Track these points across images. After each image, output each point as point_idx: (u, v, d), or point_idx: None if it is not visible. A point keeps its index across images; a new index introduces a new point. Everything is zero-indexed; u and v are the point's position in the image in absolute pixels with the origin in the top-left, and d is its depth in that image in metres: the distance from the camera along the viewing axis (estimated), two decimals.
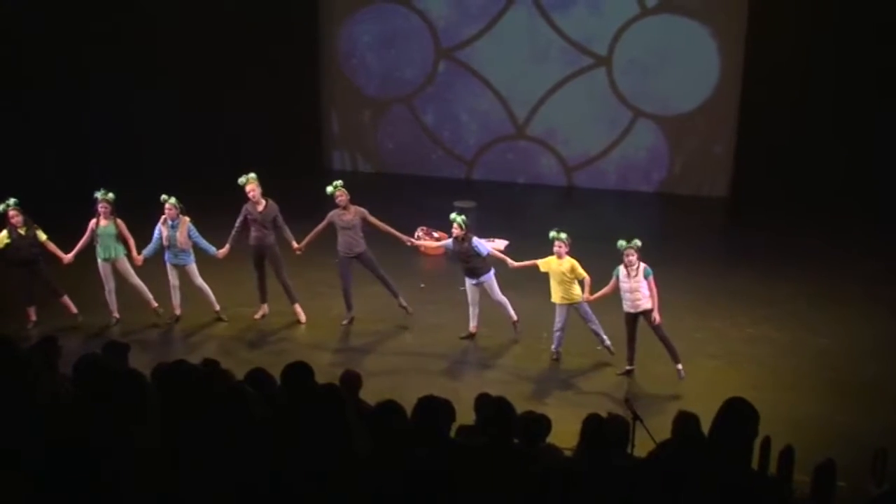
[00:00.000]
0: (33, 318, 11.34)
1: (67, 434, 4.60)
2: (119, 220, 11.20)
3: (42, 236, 11.08)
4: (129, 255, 11.29)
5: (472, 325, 11.27)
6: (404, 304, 11.60)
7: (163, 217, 11.28)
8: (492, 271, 11.07)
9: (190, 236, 11.31)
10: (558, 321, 10.73)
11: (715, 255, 14.45)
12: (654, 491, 5.07)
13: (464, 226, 10.94)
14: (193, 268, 11.45)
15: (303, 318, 11.72)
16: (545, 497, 4.80)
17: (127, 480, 4.42)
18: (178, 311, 11.61)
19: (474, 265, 11.00)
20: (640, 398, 9.62)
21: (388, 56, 17.77)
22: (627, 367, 10.51)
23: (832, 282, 13.05)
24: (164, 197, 11.19)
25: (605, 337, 10.72)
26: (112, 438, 4.55)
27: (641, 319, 10.30)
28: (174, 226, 11.25)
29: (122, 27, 16.11)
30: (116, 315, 11.49)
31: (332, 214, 11.38)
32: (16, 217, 10.86)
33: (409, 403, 5.29)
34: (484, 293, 11.13)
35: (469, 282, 11.13)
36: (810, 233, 14.84)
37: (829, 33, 15.41)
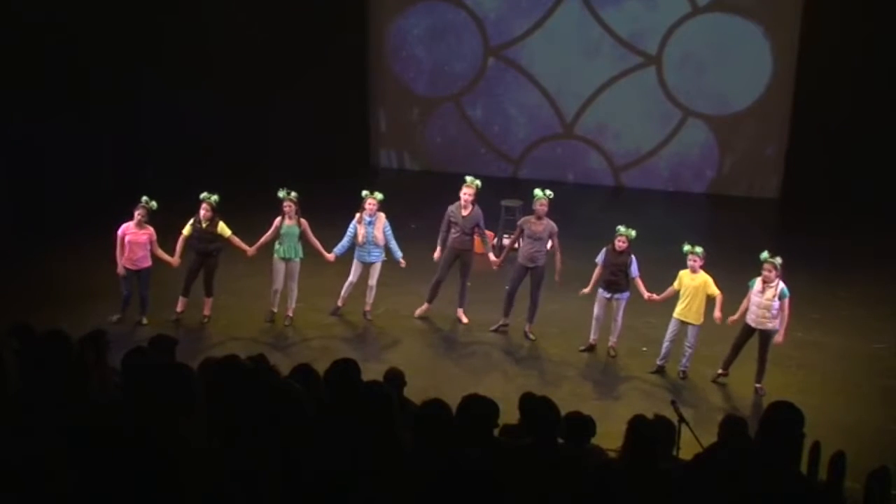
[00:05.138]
0: (180, 308, 11.42)
1: (115, 427, 4.66)
2: (304, 221, 11.20)
3: (226, 232, 11.22)
4: (304, 257, 11.27)
5: (593, 338, 10.94)
6: (530, 333, 11.37)
7: (358, 214, 11.31)
8: (628, 292, 10.72)
9: (385, 233, 11.36)
10: (669, 335, 10.45)
11: None
12: (699, 494, 5.01)
13: (630, 239, 10.55)
14: (379, 266, 11.45)
15: (465, 319, 11.66)
16: (588, 498, 4.76)
17: (172, 474, 4.46)
18: (341, 303, 11.65)
19: (620, 280, 10.59)
20: (686, 401, 9.53)
21: (438, 49, 17.76)
22: (721, 371, 10.25)
23: (885, 286, 12.81)
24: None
25: (688, 365, 10.44)
26: (158, 432, 4.59)
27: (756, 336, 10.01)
28: (371, 222, 11.28)
29: (169, 25, 16.24)
30: (275, 309, 11.45)
31: (524, 222, 11.31)
32: (206, 212, 11.08)
33: (454, 402, 5.27)
34: (610, 309, 10.78)
35: (602, 294, 10.71)
36: (863, 236, 14.59)
37: (884, 33, 15.14)
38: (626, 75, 16.98)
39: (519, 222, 11.46)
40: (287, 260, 11.26)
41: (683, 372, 10.46)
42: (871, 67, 15.32)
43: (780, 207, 16.57)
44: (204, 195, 11.16)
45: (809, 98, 15.83)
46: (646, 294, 10.63)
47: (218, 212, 11.16)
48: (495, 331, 11.42)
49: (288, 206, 11.13)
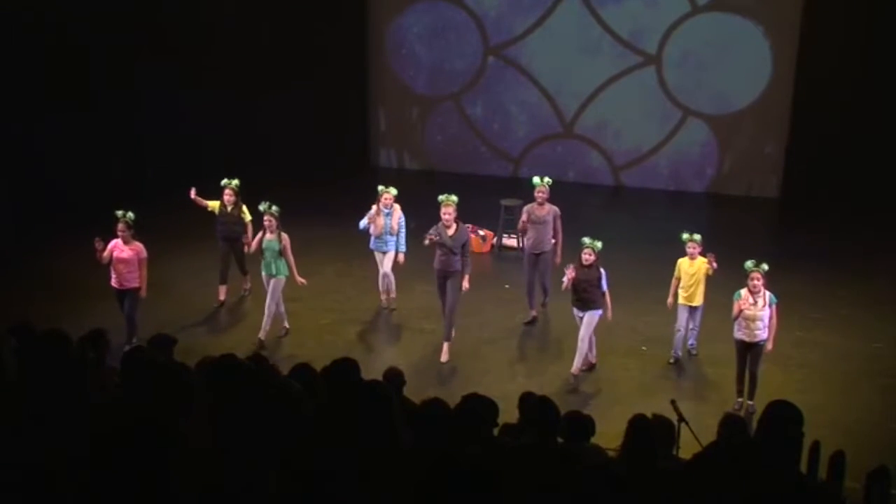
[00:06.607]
0: (222, 297, 11.88)
1: (114, 427, 4.65)
2: (284, 235, 10.89)
3: (247, 217, 11.71)
4: (290, 276, 11.00)
5: (591, 357, 10.62)
6: (536, 313, 11.65)
7: (374, 206, 11.53)
8: (601, 310, 10.29)
9: (399, 223, 11.62)
10: (680, 322, 10.59)
11: (766, 257, 14.18)
12: (699, 494, 5.01)
13: (596, 252, 10.25)
14: (392, 255, 11.66)
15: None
16: (588, 498, 4.76)
17: (172, 474, 4.46)
18: (386, 298, 11.93)
19: (591, 297, 10.20)
20: (685, 400, 9.51)
21: (438, 47, 17.74)
22: (739, 399, 9.84)
23: (885, 285, 12.80)
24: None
25: (695, 343, 10.76)
26: (157, 432, 4.59)
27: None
28: (388, 213, 11.56)
29: (168, 25, 16.21)
30: (286, 324, 11.25)
31: (528, 208, 11.59)
32: (229, 197, 11.64)
33: (454, 402, 5.28)
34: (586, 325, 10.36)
35: (577, 313, 10.39)
36: (862, 236, 14.58)
37: (884, 33, 15.13)
38: (625, 74, 16.97)
39: (524, 209, 11.66)
40: (268, 276, 10.98)
41: (692, 347, 10.78)
42: (871, 67, 15.30)
43: (779, 206, 16.55)
44: (225, 181, 11.60)
45: (809, 97, 15.81)
46: (609, 314, 10.35)
47: (240, 195, 11.61)
48: (528, 323, 11.61)
49: (268, 221, 10.86)
